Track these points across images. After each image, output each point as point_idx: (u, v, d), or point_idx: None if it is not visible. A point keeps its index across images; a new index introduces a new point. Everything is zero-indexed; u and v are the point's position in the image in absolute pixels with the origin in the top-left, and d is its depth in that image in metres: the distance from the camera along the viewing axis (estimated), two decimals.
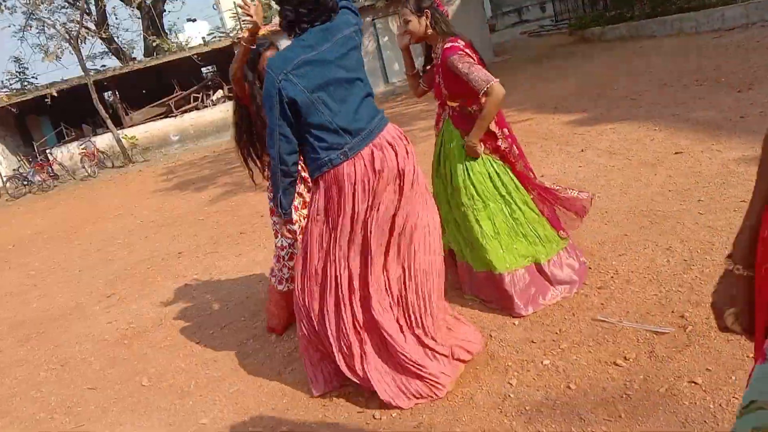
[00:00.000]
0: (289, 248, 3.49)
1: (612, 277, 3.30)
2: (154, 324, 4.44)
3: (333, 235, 2.58)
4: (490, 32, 22.03)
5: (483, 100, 3.01)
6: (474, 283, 3.42)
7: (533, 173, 3.36)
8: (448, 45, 3.05)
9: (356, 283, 2.62)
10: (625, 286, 3.17)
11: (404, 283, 2.65)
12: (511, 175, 3.25)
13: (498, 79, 2.94)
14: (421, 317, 2.67)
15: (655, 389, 2.33)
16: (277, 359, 3.39)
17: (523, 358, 2.78)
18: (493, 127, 3.16)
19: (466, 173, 3.20)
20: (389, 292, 2.64)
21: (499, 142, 3.20)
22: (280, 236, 3.44)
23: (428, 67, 3.37)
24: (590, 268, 3.44)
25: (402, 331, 2.65)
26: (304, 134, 2.50)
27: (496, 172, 3.21)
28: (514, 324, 3.09)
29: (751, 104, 5.88)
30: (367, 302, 2.62)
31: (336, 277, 2.62)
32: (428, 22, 3.11)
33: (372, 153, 2.50)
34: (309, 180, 3.15)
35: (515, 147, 3.26)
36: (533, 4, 32.04)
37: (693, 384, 2.30)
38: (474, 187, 3.18)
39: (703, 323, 2.65)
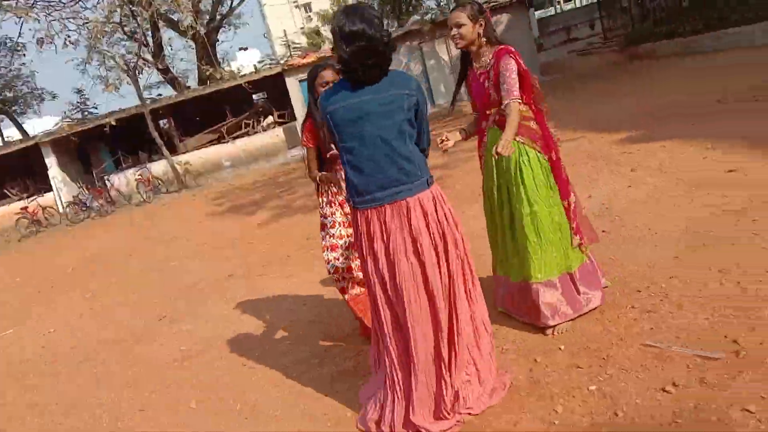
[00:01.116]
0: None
1: (662, 300, 3.20)
2: (204, 346, 4.53)
3: (369, 262, 2.67)
4: (538, 51, 21.89)
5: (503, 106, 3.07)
6: (506, 295, 3.46)
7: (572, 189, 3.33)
8: (502, 47, 3.12)
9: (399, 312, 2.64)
10: (676, 310, 3.07)
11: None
12: (552, 179, 3.21)
13: (519, 99, 3.02)
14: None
15: (707, 417, 2.25)
16: (323, 382, 3.41)
17: (569, 385, 2.72)
18: (535, 125, 3.21)
19: (520, 173, 3.15)
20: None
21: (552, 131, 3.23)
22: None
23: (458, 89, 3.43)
24: (639, 291, 3.36)
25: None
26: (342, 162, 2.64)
27: (545, 172, 3.18)
28: (560, 349, 3.03)
29: None
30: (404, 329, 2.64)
31: (377, 299, 2.67)
32: (480, 31, 3.14)
33: (383, 213, 2.55)
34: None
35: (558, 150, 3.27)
36: (582, 22, 31.72)
37: (746, 412, 2.21)
38: (525, 187, 3.14)
39: (758, 349, 2.55)
